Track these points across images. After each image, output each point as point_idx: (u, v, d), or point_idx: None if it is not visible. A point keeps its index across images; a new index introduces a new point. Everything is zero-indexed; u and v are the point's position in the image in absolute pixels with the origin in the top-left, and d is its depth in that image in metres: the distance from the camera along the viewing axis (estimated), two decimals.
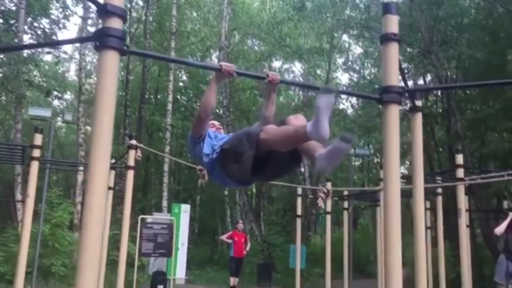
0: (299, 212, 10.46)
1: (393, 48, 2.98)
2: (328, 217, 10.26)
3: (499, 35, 14.99)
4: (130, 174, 6.42)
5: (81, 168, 11.69)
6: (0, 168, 26.09)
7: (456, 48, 16.31)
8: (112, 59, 2.21)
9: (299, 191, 10.84)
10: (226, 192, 22.12)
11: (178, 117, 22.56)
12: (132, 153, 6.44)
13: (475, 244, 13.99)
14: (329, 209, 9.93)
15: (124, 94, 23.83)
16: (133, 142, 6.43)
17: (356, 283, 14.86)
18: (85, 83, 21.65)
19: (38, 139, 5.98)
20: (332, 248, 9.73)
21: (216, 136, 3.17)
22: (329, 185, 8.63)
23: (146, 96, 24.45)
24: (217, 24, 23.15)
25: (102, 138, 2.01)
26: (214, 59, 26.41)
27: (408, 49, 17.04)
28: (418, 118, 3.20)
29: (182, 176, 26.05)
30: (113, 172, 7.72)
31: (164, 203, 18.54)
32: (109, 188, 7.86)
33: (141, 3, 26.10)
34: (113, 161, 7.74)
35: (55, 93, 25.24)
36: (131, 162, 6.45)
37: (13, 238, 12.37)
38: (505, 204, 10.46)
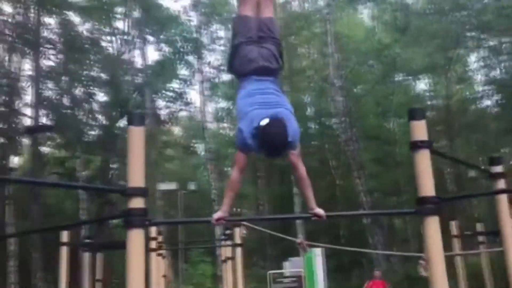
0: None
1: (424, 156, 2.87)
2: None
3: None
4: (238, 251, 6.77)
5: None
6: None
7: None
8: (137, 235, 2.56)
9: None
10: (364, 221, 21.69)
11: None
12: (237, 231, 6.79)
13: None
14: None
15: None
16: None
17: None
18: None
19: (154, 232, 6.68)
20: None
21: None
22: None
23: None
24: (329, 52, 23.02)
25: None
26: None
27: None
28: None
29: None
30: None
31: None
32: (228, 258, 8.28)
33: None
34: (223, 237, 8.21)
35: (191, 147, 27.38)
36: (238, 240, 6.79)
37: None
38: None
